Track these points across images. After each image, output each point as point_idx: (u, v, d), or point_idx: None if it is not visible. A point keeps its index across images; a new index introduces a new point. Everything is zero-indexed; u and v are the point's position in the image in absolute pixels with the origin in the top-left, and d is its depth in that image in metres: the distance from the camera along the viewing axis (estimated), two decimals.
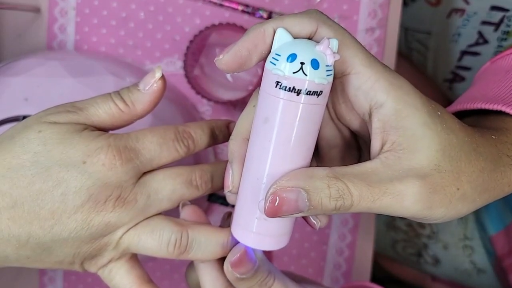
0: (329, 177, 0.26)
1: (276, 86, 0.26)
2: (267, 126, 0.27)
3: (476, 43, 0.65)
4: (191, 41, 0.49)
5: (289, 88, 0.26)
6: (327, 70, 0.26)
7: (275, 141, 0.27)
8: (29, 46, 0.55)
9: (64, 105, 0.31)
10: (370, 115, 0.28)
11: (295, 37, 0.27)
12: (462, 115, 0.37)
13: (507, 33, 0.62)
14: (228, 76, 0.51)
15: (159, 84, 0.31)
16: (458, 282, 0.73)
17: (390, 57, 0.52)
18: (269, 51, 0.27)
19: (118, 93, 0.32)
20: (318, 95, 0.26)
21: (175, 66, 0.54)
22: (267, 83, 0.27)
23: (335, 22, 0.28)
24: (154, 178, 0.31)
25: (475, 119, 0.36)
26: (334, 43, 0.26)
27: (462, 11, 0.62)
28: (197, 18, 0.53)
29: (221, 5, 0.52)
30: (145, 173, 0.31)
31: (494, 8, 0.60)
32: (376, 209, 0.26)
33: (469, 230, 0.68)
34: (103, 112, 0.31)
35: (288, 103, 0.26)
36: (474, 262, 0.68)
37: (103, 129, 0.32)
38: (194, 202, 0.34)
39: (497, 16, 0.60)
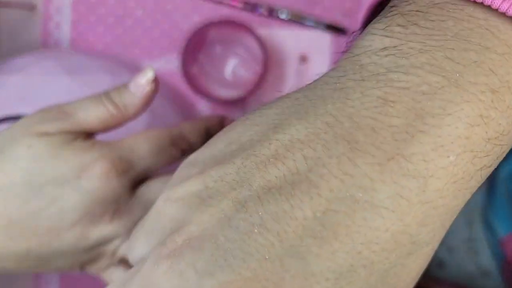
0: None
1: None
2: None
3: None
4: (189, 38, 0.48)
5: None
6: None
7: None
8: (24, 44, 0.55)
9: (51, 109, 0.30)
10: None
11: None
12: None
13: None
14: (228, 74, 0.50)
15: (152, 87, 0.30)
16: (461, 285, 0.72)
17: None
18: None
19: (108, 95, 0.30)
20: None
21: (173, 64, 0.53)
22: None
23: None
24: (150, 189, 0.30)
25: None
26: None
27: None
28: (196, 16, 0.52)
29: (220, 2, 0.51)
30: (141, 181, 0.31)
31: None
32: None
33: (475, 232, 0.67)
34: (94, 117, 0.30)
35: None
36: (478, 265, 0.68)
37: (95, 133, 0.31)
38: None
39: None
